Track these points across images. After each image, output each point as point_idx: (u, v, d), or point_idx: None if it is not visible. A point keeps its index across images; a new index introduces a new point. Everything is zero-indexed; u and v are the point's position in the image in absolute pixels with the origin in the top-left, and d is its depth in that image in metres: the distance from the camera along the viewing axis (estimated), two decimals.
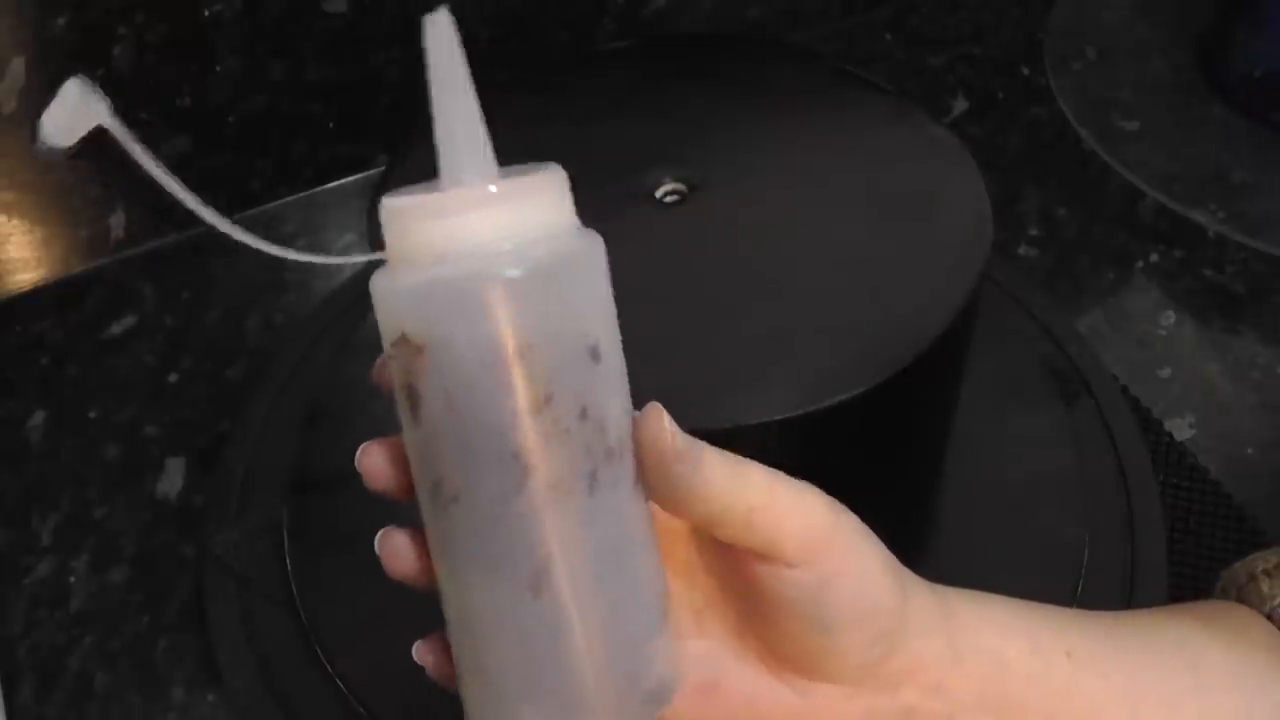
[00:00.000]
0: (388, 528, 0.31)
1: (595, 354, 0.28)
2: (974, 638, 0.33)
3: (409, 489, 0.30)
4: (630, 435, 0.29)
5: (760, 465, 0.30)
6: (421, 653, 0.32)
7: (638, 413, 0.30)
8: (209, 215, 0.29)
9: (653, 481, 0.29)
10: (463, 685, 0.30)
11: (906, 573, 0.33)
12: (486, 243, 0.27)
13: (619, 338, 0.30)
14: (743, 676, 0.32)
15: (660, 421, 0.29)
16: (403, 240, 0.28)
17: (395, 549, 0.31)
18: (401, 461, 0.30)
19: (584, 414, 0.28)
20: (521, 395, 0.27)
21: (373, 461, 0.30)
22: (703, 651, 0.32)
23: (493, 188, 0.27)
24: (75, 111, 0.29)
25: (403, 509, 0.32)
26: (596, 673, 0.29)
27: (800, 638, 0.31)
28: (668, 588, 0.31)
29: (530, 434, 0.27)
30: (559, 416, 0.28)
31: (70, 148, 0.29)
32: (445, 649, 0.31)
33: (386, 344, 0.28)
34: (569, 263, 0.28)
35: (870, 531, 0.32)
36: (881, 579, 0.31)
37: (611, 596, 0.29)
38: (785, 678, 0.32)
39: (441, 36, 0.28)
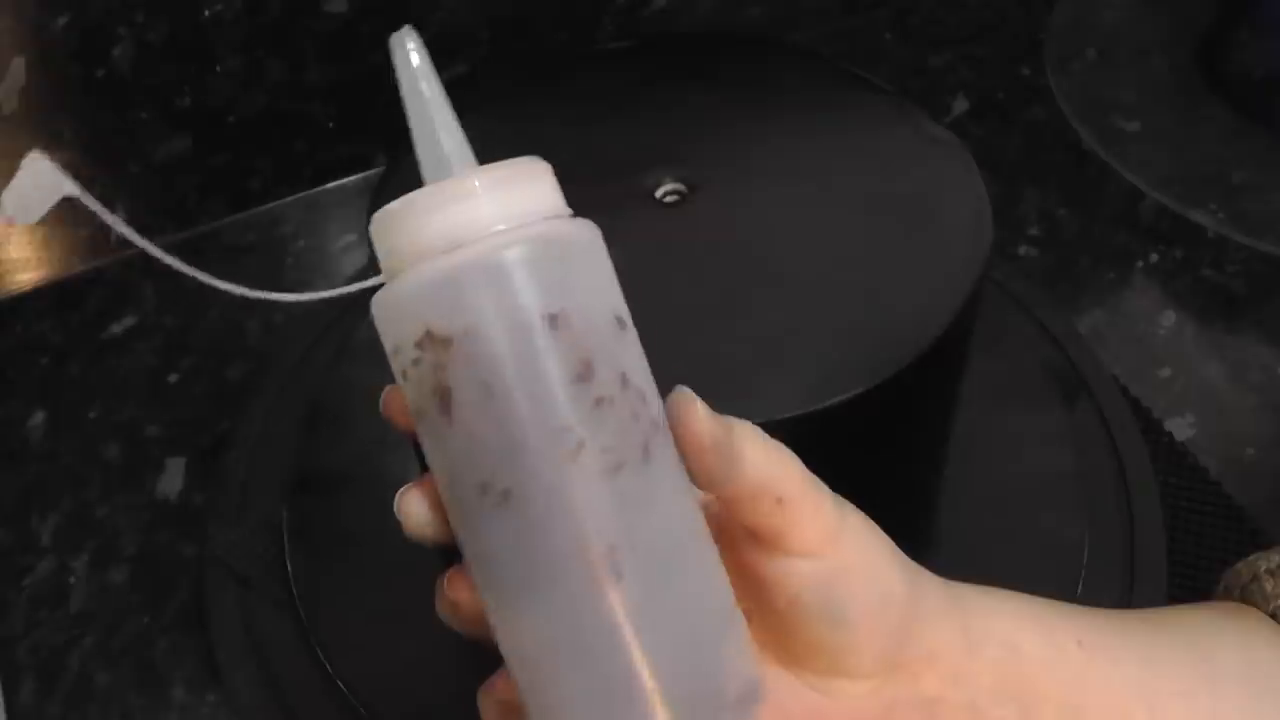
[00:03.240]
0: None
1: (622, 323, 0.28)
2: (987, 625, 0.33)
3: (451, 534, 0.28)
4: (664, 412, 0.29)
5: (790, 452, 0.30)
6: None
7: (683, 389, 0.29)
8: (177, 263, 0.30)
9: (687, 464, 0.29)
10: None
11: (915, 565, 0.33)
12: (496, 226, 0.27)
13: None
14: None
15: (694, 410, 0.28)
16: (407, 240, 0.27)
17: (411, 504, 0.29)
18: (440, 506, 0.28)
19: (625, 382, 0.27)
20: (562, 365, 0.26)
21: (411, 506, 0.29)
22: None
23: (488, 175, 0.28)
24: (38, 189, 0.29)
25: None
26: (681, 674, 0.27)
27: (813, 633, 0.31)
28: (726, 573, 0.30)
29: (577, 404, 0.26)
30: (602, 384, 0.27)
31: (36, 222, 0.29)
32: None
33: (404, 358, 0.27)
34: (577, 240, 0.28)
35: (876, 526, 0.32)
36: (890, 571, 0.31)
37: (685, 583, 0.28)
38: (804, 677, 0.32)
39: (408, 52, 0.29)
